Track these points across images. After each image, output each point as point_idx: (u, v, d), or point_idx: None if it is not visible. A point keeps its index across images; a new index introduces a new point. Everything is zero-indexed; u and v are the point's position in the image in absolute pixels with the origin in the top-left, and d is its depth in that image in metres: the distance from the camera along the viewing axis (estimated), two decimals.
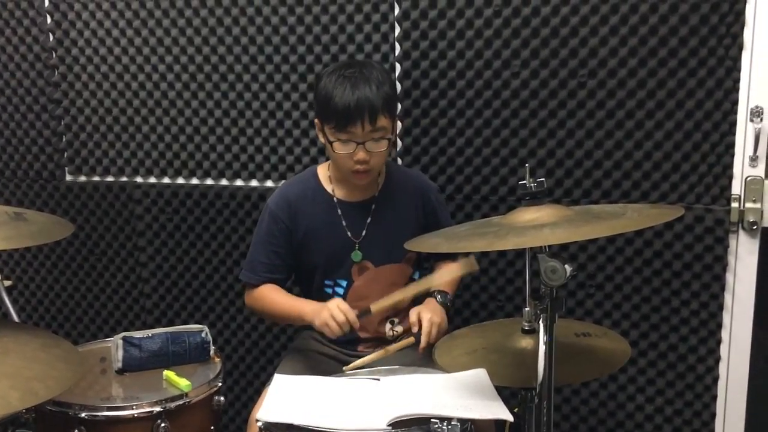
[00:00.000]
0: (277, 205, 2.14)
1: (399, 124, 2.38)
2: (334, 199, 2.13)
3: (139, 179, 2.75)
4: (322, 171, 2.18)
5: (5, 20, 2.75)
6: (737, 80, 2.22)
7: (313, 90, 2.17)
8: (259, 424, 1.66)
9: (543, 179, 1.65)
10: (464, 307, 2.53)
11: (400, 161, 2.48)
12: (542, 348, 1.56)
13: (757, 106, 2.22)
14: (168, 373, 1.97)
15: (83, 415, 1.83)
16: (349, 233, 2.12)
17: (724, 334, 2.36)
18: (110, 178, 2.77)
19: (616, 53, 2.27)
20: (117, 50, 2.66)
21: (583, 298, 2.44)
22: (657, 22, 2.23)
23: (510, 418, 1.63)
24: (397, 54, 2.44)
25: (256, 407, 1.94)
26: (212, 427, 2.00)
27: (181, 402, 1.89)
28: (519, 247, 1.70)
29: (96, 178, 2.79)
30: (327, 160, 2.24)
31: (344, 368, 1.99)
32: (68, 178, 2.82)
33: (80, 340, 2.82)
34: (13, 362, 1.57)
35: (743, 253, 2.32)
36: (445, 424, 1.56)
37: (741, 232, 2.31)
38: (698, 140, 2.27)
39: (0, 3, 2.74)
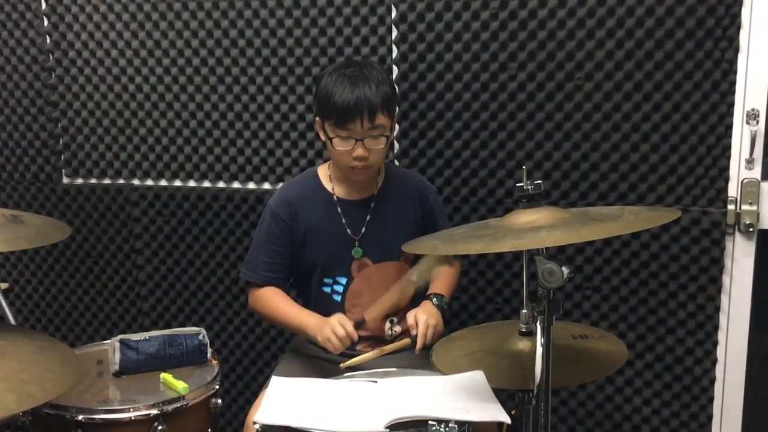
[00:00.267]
0: (278, 204, 2.16)
1: (396, 126, 2.39)
2: (334, 197, 2.15)
3: (136, 182, 2.75)
4: (322, 171, 2.20)
5: (2, 22, 2.75)
6: (733, 83, 2.22)
7: (311, 92, 2.18)
8: (257, 426, 1.66)
9: (540, 182, 1.66)
10: (461, 310, 2.53)
11: (397, 163, 2.48)
12: (539, 350, 1.56)
13: (753, 109, 2.23)
14: (165, 376, 1.97)
15: (80, 417, 1.82)
16: (348, 231, 2.14)
17: (721, 336, 2.37)
18: (107, 181, 2.77)
19: (612, 56, 2.27)
20: (114, 52, 2.66)
21: (580, 301, 2.45)
22: (653, 25, 2.23)
23: (507, 420, 1.64)
24: (394, 57, 2.44)
25: (253, 409, 1.94)
26: (209, 430, 2.01)
27: (178, 404, 1.89)
28: (516, 249, 1.71)
29: (93, 181, 2.79)
30: (325, 161, 2.26)
31: (341, 365, 1.99)
32: (65, 180, 2.82)
33: (77, 343, 2.83)
34: (10, 365, 1.57)
35: (740, 256, 2.33)
36: (442, 426, 1.57)
37: (737, 234, 2.32)
38: (695, 143, 2.28)
39: None
